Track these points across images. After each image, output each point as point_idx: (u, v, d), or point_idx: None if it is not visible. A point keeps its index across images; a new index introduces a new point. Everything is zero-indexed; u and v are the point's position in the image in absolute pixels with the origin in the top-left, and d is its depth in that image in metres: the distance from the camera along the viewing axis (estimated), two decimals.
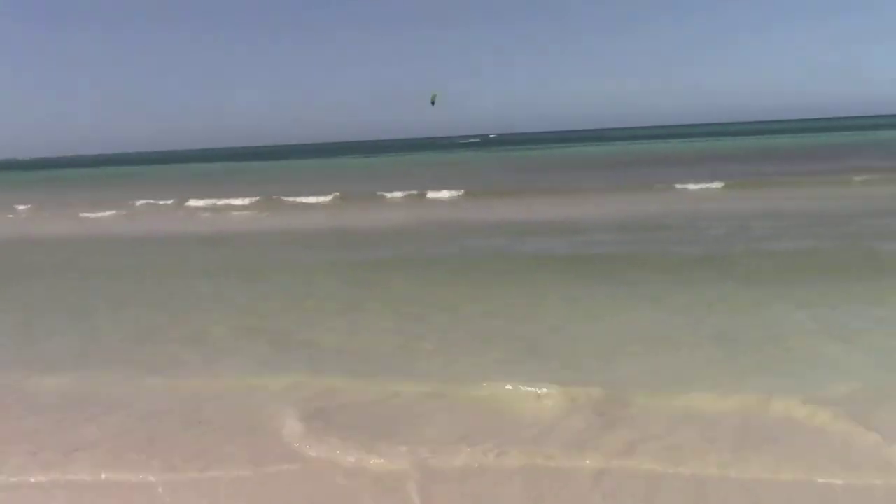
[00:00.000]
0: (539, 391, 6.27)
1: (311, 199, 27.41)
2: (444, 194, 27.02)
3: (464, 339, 8.18)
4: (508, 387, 6.42)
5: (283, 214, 24.64)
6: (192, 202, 28.74)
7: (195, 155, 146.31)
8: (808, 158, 38.65)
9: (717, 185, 25.06)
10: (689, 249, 13.54)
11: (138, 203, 29.32)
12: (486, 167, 49.45)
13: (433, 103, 17.17)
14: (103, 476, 5.18)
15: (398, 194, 27.56)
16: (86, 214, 26.83)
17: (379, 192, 28.18)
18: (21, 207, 30.62)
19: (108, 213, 26.95)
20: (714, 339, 7.73)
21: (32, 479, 5.18)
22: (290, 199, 27.93)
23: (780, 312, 8.58)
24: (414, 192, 27.58)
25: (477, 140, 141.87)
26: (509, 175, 38.37)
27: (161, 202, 29.45)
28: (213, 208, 27.45)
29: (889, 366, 6.68)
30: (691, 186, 25.09)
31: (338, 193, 28.07)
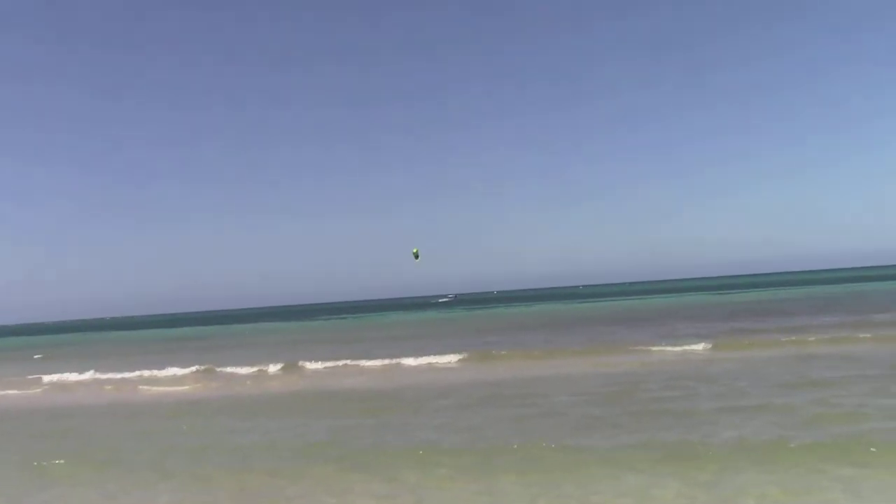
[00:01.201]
0: None
1: (250, 369, 24.74)
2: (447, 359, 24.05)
3: None
4: None
5: (218, 385, 21.85)
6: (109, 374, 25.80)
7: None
8: (765, 315, 37.35)
9: (696, 346, 23.01)
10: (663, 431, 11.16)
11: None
12: (467, 327, 47.08)
13: (417, 257, 15.56)
14: None
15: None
16: None
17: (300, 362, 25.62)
18: None
19: None
20: None
21: None
22: (226, 369, 25.25)
23: None
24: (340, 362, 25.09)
25: (448, 299, 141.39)
26: (482, 336, 35.85)
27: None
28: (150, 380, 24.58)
29: None
30: (666, 348, 23.15)
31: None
